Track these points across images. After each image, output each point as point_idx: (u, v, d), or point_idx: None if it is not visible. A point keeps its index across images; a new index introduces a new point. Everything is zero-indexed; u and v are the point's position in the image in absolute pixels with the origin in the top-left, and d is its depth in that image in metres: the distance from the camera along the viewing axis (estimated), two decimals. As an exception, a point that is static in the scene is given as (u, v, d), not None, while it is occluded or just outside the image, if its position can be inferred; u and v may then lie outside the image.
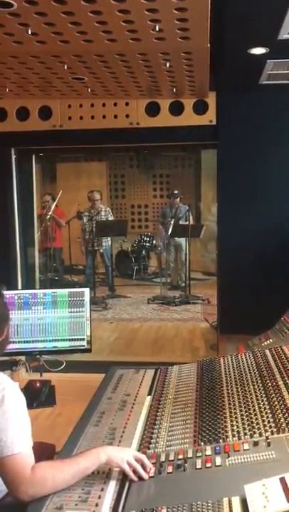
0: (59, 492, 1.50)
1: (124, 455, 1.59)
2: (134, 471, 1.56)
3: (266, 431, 1.66)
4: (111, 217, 8.69)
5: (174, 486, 1.49)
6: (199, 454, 1.60)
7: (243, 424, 1.74)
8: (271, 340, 2.62)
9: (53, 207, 8.69)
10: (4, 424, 1.54)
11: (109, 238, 8.53)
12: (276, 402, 1.84)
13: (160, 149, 8.96)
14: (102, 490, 1.49)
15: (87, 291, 3.00)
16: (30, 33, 2.16)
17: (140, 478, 1.55)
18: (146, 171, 12.66)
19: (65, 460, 1.60)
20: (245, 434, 1.68)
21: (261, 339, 2.70)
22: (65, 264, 9.68)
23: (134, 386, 2.30)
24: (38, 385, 2.98)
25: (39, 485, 1.50)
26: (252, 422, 1.74)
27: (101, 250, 8.53)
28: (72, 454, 1.70)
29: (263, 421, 1.73)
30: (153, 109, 3.66)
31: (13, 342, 2.89)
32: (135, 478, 1.55)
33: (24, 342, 2.91)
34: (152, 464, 1.61)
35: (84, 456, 1.58)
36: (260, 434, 1.65)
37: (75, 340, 2.95)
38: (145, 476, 1.55)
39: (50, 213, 8.66)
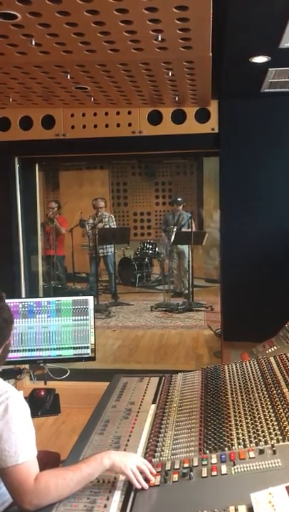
0: (64, 501, 1.49)
1: (128, 461, 1.58)
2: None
3: (272, 439, 1.65)
4: (113, 224, 8.71)
5: (179, 494, 1.49)
6: (205, 463, 1.60)
7: (249, 432, 1.74)
8: (275, 348, 2.62)
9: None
10: (8, 434, 1.52)
11: (112, 245, 8.55)
12: (281, 410, 1.83)
13: (162, 157, 8.99)
14: (107, 499, 1.49)
15: (91, 299, 3.00)
16: (33, 43, 2.19)
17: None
18: (149, 178, 12.68)
19: (69, 467, 1.58)
20: (250, 442, 1.67)
21: (265, 346, 2.70)
22: (67, 272, 9.68)
23: (139, 394, 2.29)
24: (42, 393, 2.98)
25: (43, 494, 1.48)
26: (257, 430, 1.73)
27: (105, 253, 8.54)
28: (76, 462, 1.70)
29: (269, 429, 1.72)
30: (155, 118, 3.69)
31: (18, 350, 2.89)
32: (138, 486, 1.54)
33: (28, 350, 2.91)
34: (158, 472, 1.60)
35: (87, 462, 1.57)
36: (266, 442, 1.64)
37: (80, 348, 2.95)
38: (145, 486, 1.54)
39: (53, 219, 8.72)
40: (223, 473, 1.53)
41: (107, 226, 8.44)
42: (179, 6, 1.83)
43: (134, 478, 1.55)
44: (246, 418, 1.84)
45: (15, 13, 1.88)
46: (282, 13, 2.06)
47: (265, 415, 1.82)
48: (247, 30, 2.30)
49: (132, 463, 1.57)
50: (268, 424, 1.76)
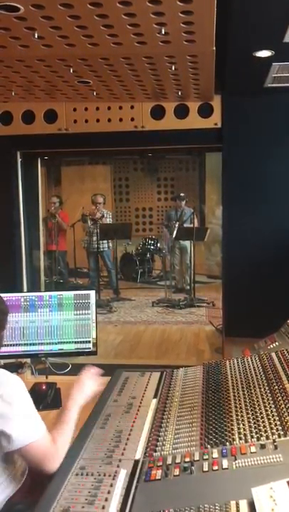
0: (65, 494, 1.50)
1: (89, 387, 2.07)
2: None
3: (273, 434, 1.65)
4: (109, 220, 8.71)
5: (180, 488, 1.49)
6: (206, 457, 1.60)
7: (250, 427, 1.74)
8: (277, 343, 2.61)
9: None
10: (20, 413, 1.70)
11: (108, 241, 8.56)
12: (283, 405, 1.83)
13: (164, 152, 8.97)
14: (108, 492, 1.49)
15: (92, 293, 3.00)
16: (36, 36, 2.17)
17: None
18: (151, 174, 12.67)
19: (60, 421, 1.86)
20: (252, 437, 1.67)
21: (267, 342, 2.69)
22: (69, 267, 9.69)
23: (140, 389, 2.30)
24: (43, 387, 2.98)
25: (60, 454, 1.72)
26: (259, 425, 1.73)
27: (101, 249, 8.54)
28: (78, 457, 1.71)
29: (270, 424, 1.72)
30: (158, 113, 3.67)
31: (19, 344, 2.90)
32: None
33: (30, 344, 2.91)
34: (159, 466, 1.61)
35: (69, 409, 1.90)
36: (267, 437, 1.64)
37: (81, 342, 2.95)
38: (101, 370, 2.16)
39: (55, 214, 8.73)
40: (224, 467, 1.53)
41: (104, 222, 8.45)
42: (182, -1, 1.82)
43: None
44: (248, 413, 1.84)
45: (17, 5, 1.87)
46: (287, 6, 2.05)
47: (266, 410, 1.83)
48: (251, 23, 2.29)
49: (92, 386, 2.09)
50: (269, 419, 1.76)
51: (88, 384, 2.10)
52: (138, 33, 2.15)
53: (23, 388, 1.78)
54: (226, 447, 1.63)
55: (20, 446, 1.68)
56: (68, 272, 9.53)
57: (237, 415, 1.84)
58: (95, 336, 2.96)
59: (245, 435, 1.69)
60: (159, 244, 10.06)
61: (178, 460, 1.62)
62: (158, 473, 1.57)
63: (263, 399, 1.93)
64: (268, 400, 1.91)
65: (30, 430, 1.69)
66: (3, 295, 1.96)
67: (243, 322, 3.59)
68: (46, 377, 3.12)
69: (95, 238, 8.25)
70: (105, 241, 8.44)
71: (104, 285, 8.99)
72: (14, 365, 3.08)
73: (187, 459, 1.61)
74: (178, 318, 7.14)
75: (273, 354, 2.34)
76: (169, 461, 1.63)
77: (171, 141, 3.79)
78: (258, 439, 1.65)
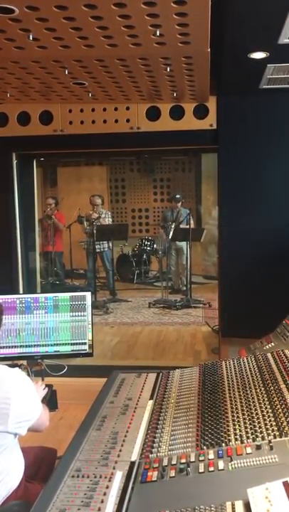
0: (61, 496, 1.49)
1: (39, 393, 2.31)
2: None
3: (269, 434, 1.65)
4: (109, 220, 8.69)
5: (176, 490, 1.49)
6: (202, 458, 1.60)
7: (246, 427, 1.74)
8: (273, 344, 2.62)
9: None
10: (27, 400, 1.95)
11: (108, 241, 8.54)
12: (278, 406, 1.83)
13: (160, 153, 8.96)
14: (104, 494, 1.49)
15: (88, 295, 2.99)
16: (31, 38, 2.18)
17: None
18: (147, 175, 12.66)
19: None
20: (247, 437, 1.67)
21: (263, 343, 2.70)
22: (66, 269, 9.66)
23: (136, 390, 2.29)
24: (39, 389, 2.97)
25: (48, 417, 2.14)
26: (254, 426, 1.73)
27: (102, 249, 8.51)
28: (74, 459, 1.71)
29: (266, 424, 1.72)
30: (153, 114, 3.68)
31: (15, 346, 2.89)
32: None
33: (26, 346, 2.91)
34: (155, 468, 1.60)
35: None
36: (263, 438, 1.64)
37: (77, 344, 2.95)
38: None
39: (51, 215, 8.71)
40: (220, 468, 1.53)
41: (104, 222, 8.42)
42: (177, 1, 1.82)
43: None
44: (243, 414, 1.84)
45: (12, 7, 1.87)
46: (281, 8, 2.06)
47: (262, 411, 1.83)
48: (246, 25, 2.29)
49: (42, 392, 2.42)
50: (265, 420, 1.76)
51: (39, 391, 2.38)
52: (133, 34, 2.16)
53: (18, 375, 2.02)
54: (221, 448, 1.63)
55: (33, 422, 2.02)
56: (65, 273, 9.52)
57: (233, 416, 1.84)
58: (91, 338, 2.96)
59: (241, 436, 1.69)
60: (155, 245, 10.06)
61: (174, 461, 1.62)
62: (154, 475, 1.56)
63: (258, 400, 1.93)
64: (263, 400, 1.91)
65: (37, 406, 2.03)
66: (-2, 296, 1.97)
67: (240, 322, 3.60)
68: (42, 379, 3.11)
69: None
70: (105, 242, 8.42)
71: (101, 286, 8.98)
72: (10, 367, 3.06)
73: (183, 460, 1.61)
74: (174, 319, 7.13)
75: (269, 355, 2.34)
76: (165, 462, 1.63)
77: (167, 142, 3.79)
78: (254, 439, 1.65)
